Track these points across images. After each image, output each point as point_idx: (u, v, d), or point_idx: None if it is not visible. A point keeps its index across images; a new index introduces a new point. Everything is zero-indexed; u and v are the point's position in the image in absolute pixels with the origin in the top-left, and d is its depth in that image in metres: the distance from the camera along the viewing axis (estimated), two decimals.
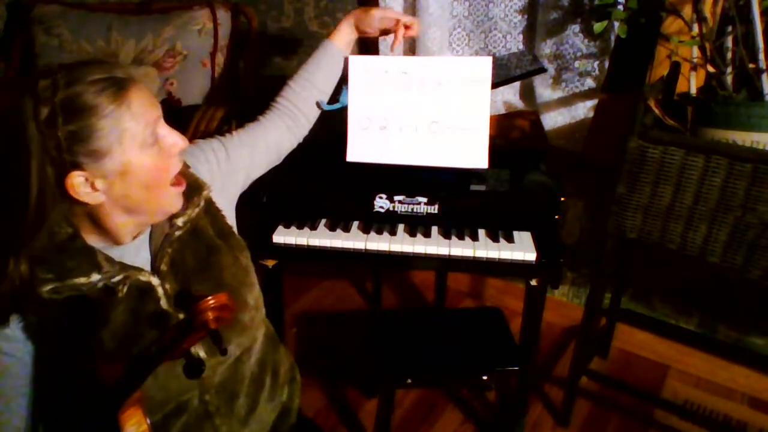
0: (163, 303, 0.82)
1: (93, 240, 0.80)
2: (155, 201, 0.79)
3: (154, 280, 0.81)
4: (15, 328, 0.78)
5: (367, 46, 1.93)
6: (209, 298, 0.68)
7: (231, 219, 0.99)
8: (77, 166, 0.71)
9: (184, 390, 0.85)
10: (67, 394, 0.83)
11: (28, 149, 0.69)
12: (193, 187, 0.87)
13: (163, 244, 0.84)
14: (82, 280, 0.75)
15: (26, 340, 0.79)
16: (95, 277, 0.76)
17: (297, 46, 2.29)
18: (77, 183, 0.72)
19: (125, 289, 0.78)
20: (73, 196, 0.72)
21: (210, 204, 0.92)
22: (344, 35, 1.23)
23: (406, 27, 1.24)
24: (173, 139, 0.79)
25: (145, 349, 0.68)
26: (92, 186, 0.73)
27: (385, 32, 1.25)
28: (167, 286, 0.83)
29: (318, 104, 1.21)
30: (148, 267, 0.84)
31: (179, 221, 0.84)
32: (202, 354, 0.84)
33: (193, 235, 0.87)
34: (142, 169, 0.75)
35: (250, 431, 0.96)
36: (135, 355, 0.79)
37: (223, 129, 1.80)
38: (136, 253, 0.83)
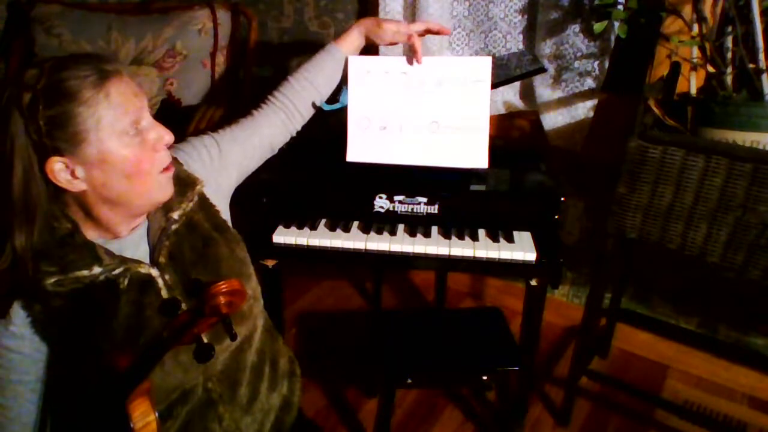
0: (164, 293, 0.84)
1: (93, 235, 0.82)
2: (140, 191, 0.80)
3: (154, 272, 0.84)
4: (21, 324, 0.79)
5: (367, 46, 1.92)
6: (222, 282, 0.68)
7: (225, 214, 1.01)
8: (57, 152, 0.73)
9: (189, 378, 0.87)
10: (76, 387, 0.84)
11: (12, 133, 0.72)
12: (186, 182, 0.90)
13: (160, 238, 0.86)
14: (84, 272, 0.78)
15: (33, 336, 0.80)
16: (96, 269, 0.78)
17: (297, 46, 2.29)
18: (57, 168, 0.74)
19: (126, 282, 0.81)
20: (54, 182, 0.75)
21: (204, 199, 0.95)
22: (352, 42, 1.24)
23: (438, 32, 1.26)
24: (157, 133, 0.80)
25: (156, 335, 0.69)
26: (72, 173, 0.75)
27: (393, 42, 1.25)
28: (167, 278, 0.85)
29: (314, 104, 1.21)
30: (147, 260, 0.86)
31: (175, 215, 0.87)
32: (206, 341, 0.85)
33: (190, 229, 0.90)
34: (121, 159, 0.76)
35: (254, 420, 0.98)
36: (146, 340, 0.80)
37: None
38: (136, 247, 0.86)
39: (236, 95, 2.14)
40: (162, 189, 0.83)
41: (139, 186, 0.80)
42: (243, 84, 2.15)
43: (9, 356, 0.80)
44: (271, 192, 1.32)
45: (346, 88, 1.27)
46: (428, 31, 1.26)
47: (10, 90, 0.72)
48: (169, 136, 0.82)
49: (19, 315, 0.78)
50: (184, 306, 0.83)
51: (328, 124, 1.33)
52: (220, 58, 2.12)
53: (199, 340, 0.72)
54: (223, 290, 0.68)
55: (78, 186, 0.76)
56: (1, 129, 0.72)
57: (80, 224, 0.81)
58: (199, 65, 2.08)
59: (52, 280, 0.76)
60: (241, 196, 1.12)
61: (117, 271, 0.80)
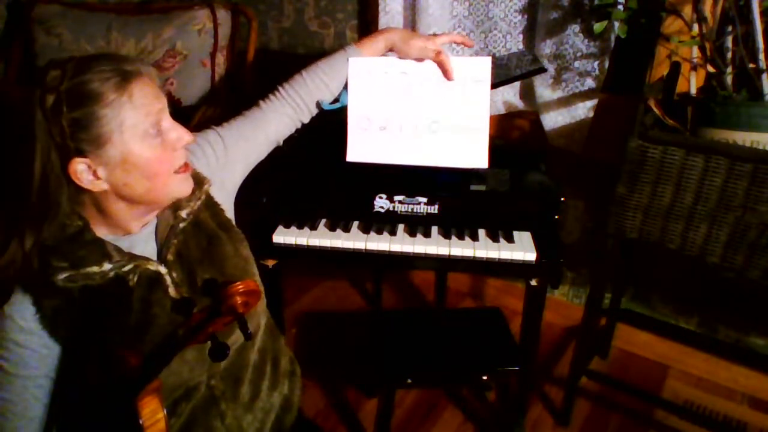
0: (171, 291, 0.85)
1: (102, 232, 0.83)
2: (159, 190, 0.82)
3: (162, 269, 0.85)
4: (31, 320, 0.79)
5: None
6: (238, 283, 0.70)
7: (230, 212, 1.01)
8: (80, 153, 0.74)
9: (194, 375, 0.88)
10: (85, 384, 0.85)
11: (34, 135, 0.72)
12: (195, 181, 0.91)
13: (169, 236, 0.87)
14: (95, 269, 0.78)
15: (42, 331, 0.80)
16: (107, 266, 0.79)
17: (297, 46, 2.29)
18: (80, 170, 0.75)
19: (135, 278, 0.81)
20: (77, 183, 0.76)
21: (209, 198, 0.95)
22: (376, 50, 1.22)
23: (462, 43, 1.26)
24: (177, 133, 0.82)
25: (172, 333, 0.69)
26: (95, 174, 0.76)
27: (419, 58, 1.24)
28: (174, 275, 0.85)
29: (318, 104, 1.20)
30: (155, 257, 0.87)
31: (183, 213, 0.88)
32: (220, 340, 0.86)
33: (196, 227, 0.91)
34: (142, 160, 0.77)
35: (255, 418, 0.99)
36: (152, 337, 0.81)
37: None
38: (144, 245, 0.87)
39: (236, 95, 2.14)
40: (180, 187, 0.84)
41: (159, 185, 0.81)
42: (243, 84, 2.15)
43: (17, 351, 0.80)
44: (271, 192, 1.32)
45: (346, 88, 1.27)
46: (453, 43, 1.26)
47: (32, 91, 0.72)
48: (189, 137, 0.83)
49: (29, 310, 0.79)
50: (188, 301, 0.84)
51: (329, 124, 1.33)
52: (220, 58, 2.12)
53: (214, 339, 0.73)
54: (240, 290, 0.70)
55: (100, 186, 0.77)
56: (23, 132, 0.72)
57: (91, 221, 0.81)
58: (199, 65, 2.08)
59: (64, 275, 0.77)
60: (241, 196, 1.12)
61: (126, 268, 0.80)
